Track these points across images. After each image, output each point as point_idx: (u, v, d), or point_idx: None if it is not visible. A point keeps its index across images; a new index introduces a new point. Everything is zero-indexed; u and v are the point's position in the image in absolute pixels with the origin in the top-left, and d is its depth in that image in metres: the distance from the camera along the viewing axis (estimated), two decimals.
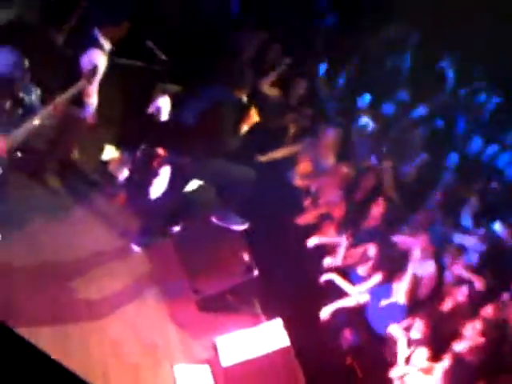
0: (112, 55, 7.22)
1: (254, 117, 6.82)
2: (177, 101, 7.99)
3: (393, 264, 7.09)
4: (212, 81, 7.04)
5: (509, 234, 7.23)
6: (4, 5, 8.33)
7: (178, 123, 7.13)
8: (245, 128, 6.83)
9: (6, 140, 5.97)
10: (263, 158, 8.43)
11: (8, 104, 6.11)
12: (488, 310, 6.31)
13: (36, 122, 6.12)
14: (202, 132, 6.72)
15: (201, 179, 7.43)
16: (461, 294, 6.59)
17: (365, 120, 9.07)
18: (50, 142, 7.45)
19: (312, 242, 7.61)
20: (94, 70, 6.69)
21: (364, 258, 7.25)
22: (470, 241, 7.40)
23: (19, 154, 6.29)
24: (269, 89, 9.29)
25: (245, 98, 6.88)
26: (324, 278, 7.20)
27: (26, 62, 6.01)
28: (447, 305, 6.68)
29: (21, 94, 6.24)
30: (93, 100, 7.09)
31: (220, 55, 8.87)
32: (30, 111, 6.24)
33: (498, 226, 7.25)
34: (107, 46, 7.13)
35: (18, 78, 5.97)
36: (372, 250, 7.15)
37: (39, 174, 7.49)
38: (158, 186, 7.41)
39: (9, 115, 6.11)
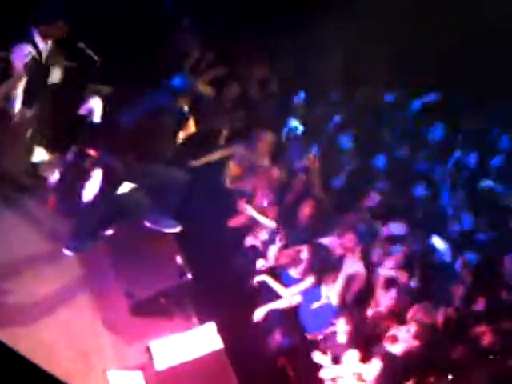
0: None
1: (192, 127, 6.87)
2: (112, 102, 7.94)
3: (323, 265, 7.20)
4: (151, 85, 7.04)
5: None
6: None
7: (114, 125, 7.08)
8: (181, 137, 6.86)
9: None
10: (197, 162, 8.46)
11: None
12: (417, 313, 6.45)
13: None
14: (139, 136, 6.71)
15: (133, 181, 7.40)
16: (389, 296, 6.74)
17: (294, 122, 9.17)
18: None
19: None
20: (26, 65, 6.69)
21: (296, 260, 7.33)
22: (399, 229, 7.56)
23: None
24: (203, 87, 9.32)
25: (186, 108, 6.90)
26: (256, 279, 7.26)
27: None
28: (376, 306, 6.81)
29: None
30: (18, 94, 7.03)
31: (158, 57, 8.90)
32: None
33: (436, 240, 7.43)
34: (42, 44, 7.08)
35: None
36: (304, 252, 7.24)
37: None
38: (90, 188, 7.32)
39: None
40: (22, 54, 6.95)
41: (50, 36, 7.16)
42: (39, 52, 7.13)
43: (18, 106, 7.14)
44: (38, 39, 7.07)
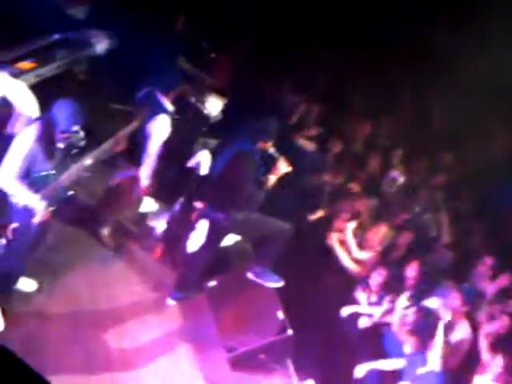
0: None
1: (283, 168, 6.78)
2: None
3: (429, 329, 6.93)
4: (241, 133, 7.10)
5: None
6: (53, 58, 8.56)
7: (210, 177, 7.20)
8: (273, 179, 6.78)
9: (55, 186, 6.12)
10: (312, 217, 8.41)
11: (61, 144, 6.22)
12: None
13: (89, 161, 6.24)
14: (224, 184, 6.77)
15: (238, 233, 7.44)
16: (496, 364, 6.40)
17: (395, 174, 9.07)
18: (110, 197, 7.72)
19: (345, 311, 7.50)
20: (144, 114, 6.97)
21: (401, 322, 7.09)
22: None
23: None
24: (305, 142, 9.37)
25: (271, 150, 6.88)
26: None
27: (83, 118, 6.13)
28: (482, 371, 6.48)
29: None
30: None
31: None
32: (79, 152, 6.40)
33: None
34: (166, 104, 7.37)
35: (72, 131, 6.08)
36: (410, 315, 7.01)
37: (94, 227, 7.69)
38: (195, 239, 7.40)
39: (61, 154, 6.22)
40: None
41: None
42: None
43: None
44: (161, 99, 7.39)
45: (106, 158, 6.49)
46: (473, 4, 9.66)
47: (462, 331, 6.80)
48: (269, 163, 6.82)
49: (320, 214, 8.59)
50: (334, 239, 8.02)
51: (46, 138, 6.04)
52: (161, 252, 7.78)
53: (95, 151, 6.33)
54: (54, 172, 6.09)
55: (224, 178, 6.82)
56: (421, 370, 6.57)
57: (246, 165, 6.70)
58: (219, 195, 6.87)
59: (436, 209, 8.77)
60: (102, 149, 6.37)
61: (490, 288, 7.45)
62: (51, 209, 6.20)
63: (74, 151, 6.23)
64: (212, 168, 7.16)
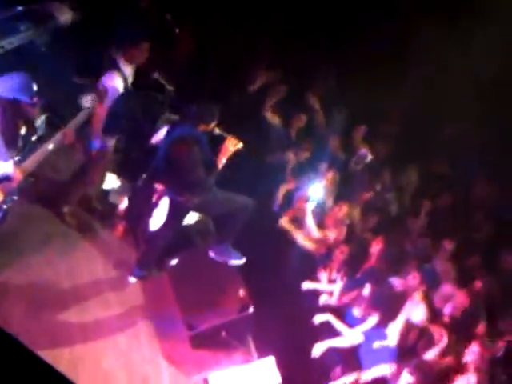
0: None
1: (232, 146, 6.69)
2: None
3: (388, 305, 7.04)
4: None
5: None
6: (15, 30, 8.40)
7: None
8: (223, 160, 6.69)
9: (20, 169, 5.96)
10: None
11: (23, 129, 6.12)
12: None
13: (50, 146, 6.11)
14: (172, 170, 6.75)
15: (200, 211, 7.42)
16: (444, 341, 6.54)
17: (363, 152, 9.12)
18: (75, 175, 7.62)
19: (306, 285, 7.61)
20: (105, 92, 6.80)
21: (360, 299, 7.20)
22: None
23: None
24: (271, 116, 9.34)
25: (217, 130, 6.79)
26: (319, 318, 7.15)
27: (35, 86, 5.97)
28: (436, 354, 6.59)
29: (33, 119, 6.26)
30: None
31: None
32: (42, 136, 6.28)
33: None
34: (126, 69, 7.18)
35: (26, 100, 5.95)
36: (367, 289, 7.11)
37: (56, 205, 7.57)
38: (157, 217, 7.38)
39: (24, 141, 6.10)
40: (112, 81, 7.05)
41: (134, 59, 7.24)
42: (125, 79, 7.18)
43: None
44: (122, 64, 7.14)
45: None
46: None
47: (419, 310, 6.91)
48: (214, 144, 6.74)
49: (283, 191, 8.61)
50: (285, 220, 8.09)
51: (7, 123, 5.89)
52: (123, 230, 7.76)
53: (54, 138, 6.18)
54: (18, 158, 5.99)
55: (170, 165, 6.77)
56: (377, 344, 6.72)
57: (188, 151, 6.58)
58: (171, 180, 6.85)
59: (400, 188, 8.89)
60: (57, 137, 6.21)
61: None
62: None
63: (35, 137, 6.16)
64: (159, 152, 7.02)
